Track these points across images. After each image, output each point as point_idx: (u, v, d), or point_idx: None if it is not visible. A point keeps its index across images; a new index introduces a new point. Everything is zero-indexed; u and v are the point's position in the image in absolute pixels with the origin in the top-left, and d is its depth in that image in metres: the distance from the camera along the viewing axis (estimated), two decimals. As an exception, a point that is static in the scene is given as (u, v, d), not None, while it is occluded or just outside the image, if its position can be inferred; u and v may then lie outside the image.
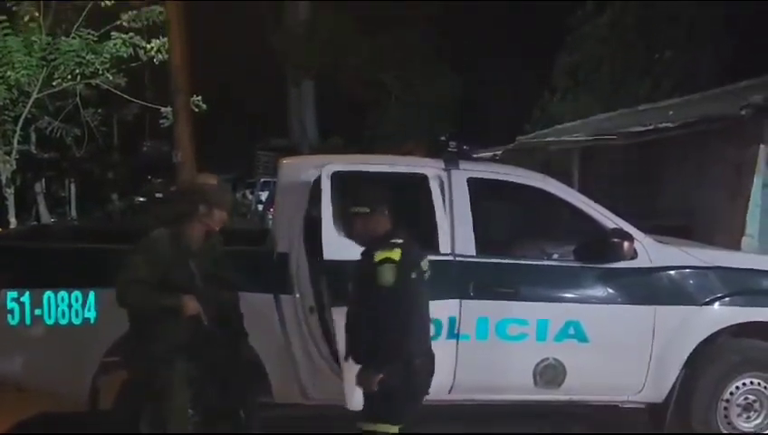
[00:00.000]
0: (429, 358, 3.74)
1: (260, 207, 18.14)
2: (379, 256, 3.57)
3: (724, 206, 8.62)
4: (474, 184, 4.72)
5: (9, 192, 13.70)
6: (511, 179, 4.99)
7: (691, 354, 4.80)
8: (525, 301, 4.67)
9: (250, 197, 22.13)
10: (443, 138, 4.93)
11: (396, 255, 3.54)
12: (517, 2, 20.43)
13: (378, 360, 3.57)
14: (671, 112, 10.80)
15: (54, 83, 13.63)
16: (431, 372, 3.76)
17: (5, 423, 5.65)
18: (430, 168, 4.75)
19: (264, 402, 4.74)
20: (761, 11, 13.61)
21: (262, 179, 20.21)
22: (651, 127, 9.53)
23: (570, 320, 4.70)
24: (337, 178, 4.78)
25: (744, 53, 14.10)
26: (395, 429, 3.59)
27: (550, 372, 4.71)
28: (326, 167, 4.54)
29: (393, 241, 3.63)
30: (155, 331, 3.77)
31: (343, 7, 20.79)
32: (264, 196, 18.32)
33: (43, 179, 20.09)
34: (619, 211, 4.96)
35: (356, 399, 3.81)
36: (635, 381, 4.82)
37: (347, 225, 4.02)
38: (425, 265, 3.73)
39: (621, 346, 4.78)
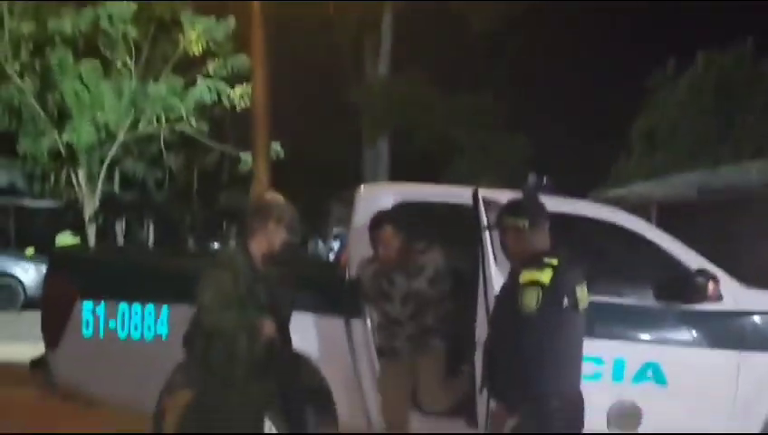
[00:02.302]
0: (574, 401, 3.20)
1: (332, 256, 18.28)
2: (525, 276, 3.08)
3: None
4: (554, 219, 4.59)
5: (91, 229, 14.18)
6: (590, 215, 4.86)
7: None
8: (602, 339, 4.46)
9: (322, 247, 22.34)
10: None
11: (546, 277, 3.03)
12: (595, 61, 20.40)
13: (509, 399, 3.12)
14: (754, 172, 10.50)
15: (140, 127, 14.24)
16: (576, 417, 3.23)
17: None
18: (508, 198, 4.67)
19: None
20: None
21: (335, 230, 20.47)
22: (734, 185, 9.28)
23: (648, 361, 4.49)
24: (408, 207, 4.79)
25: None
26: None
27: (624, 415, 4.49)
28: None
29: (547, 260, 3.12)
30: (230, 351, 3.65)
31: (421, 65, 21.09)
32: (336, 246, 18.48)
33: (124, 220, 20.76)
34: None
35: None
36: (715, 429, 4.53)
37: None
38: (582, 291, 3.18)
39: (702, 392, 4.53)
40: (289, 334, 3.88)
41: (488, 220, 3.99)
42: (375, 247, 4.45)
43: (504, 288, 3.35)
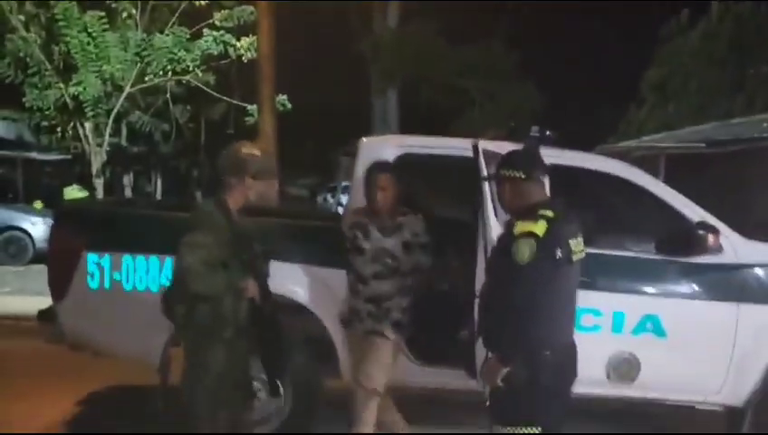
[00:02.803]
0: (566, 352, 3.23)
1: (340, 210, 18.21)
2: (520, 227, 3.09)
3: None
4: (554, 171, 4.52)
5: (98, 182, 14.21)
6: (593, 167, 4.84)
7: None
8: (602, 291, 4.50)
9: (330, 200, 22.34)
10: (512, 124, 4.83)
11: (540, 229, 3.04)
12: (607, 13, 20.07)
13: (502, 349, 3.14)
14: (765, 124, 10.41)
15: (146, 79, 14.18)
16: (568, 367, 3.25)
17: (80, 393, 5.88)
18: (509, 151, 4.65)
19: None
20: None
21: (343, 183, 20.39)
22: (743, 136, 9.20)
23: (647, 314, 4.54)
24: (412, 159, 4.79)
25: None
26: (532, 431, 3.12)
27: (623, 367, 4.56)
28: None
29: (542, 212, 3.13)
30: (213, 310, 3.62)
31: (431, 17, 20.82)
32: (344, 199, 18.42)
33: (131, 173, 20.77)
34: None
35: (487, 389, 3.41)
36: (713, 381, 4.61)
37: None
38: (577, 244, 3.16)
39: (701, 344, 4.58)
40: (268, 288, 3.82)
41: (488, 172, 3.98)
42: (367, 194, 4.32)
43: (500, 239, 3.36)
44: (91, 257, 4.70)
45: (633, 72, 19.13)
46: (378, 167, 4.37)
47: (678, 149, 10.44)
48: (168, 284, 3.80)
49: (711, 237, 4.45)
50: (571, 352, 3.25)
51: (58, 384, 6.01)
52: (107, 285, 4.71)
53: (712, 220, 4.62)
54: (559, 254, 3.05)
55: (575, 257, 3.15)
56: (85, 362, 5.18)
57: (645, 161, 10.70)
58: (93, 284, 4.72)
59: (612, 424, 5.46)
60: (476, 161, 4.10)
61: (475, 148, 4.15)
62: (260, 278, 3.74)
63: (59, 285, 4.79)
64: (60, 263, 4.84)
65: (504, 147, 4.23)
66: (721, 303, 4.58)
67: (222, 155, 3.82)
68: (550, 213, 3.13)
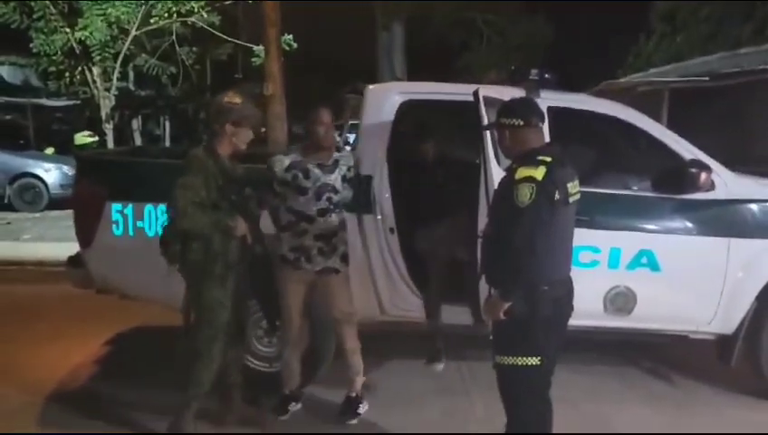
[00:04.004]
0: (563, 286, 3.44)
1: (347, 148, 18.25)
2: (521, 172, 3.27)
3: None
4: (554, 113, 4.61)
5: (108, 127, 14.33)
6: (591, 109, 4.99)
7: (763, 288, 4.80)
8: (599, 229, 4.72)
9: (338, 139, 22.37)
10: (513, 67, 4.96)
11: (539, 173, 3.22)
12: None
13: (504, 286, 3.36)
14: (771, 55, 10.39)
15: (152, 21, 14.15)
16: (565, 301, 3.46)
17: (107, 334, 6.19)
18: (509, 95, 4.80)
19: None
20: None
21: (350, 122, 20.37)
22: (745, 69, 9.23)
23: (643, 249, 4.76)
24: (412, 105, 4.95)
25: None
26: (533, 360, 3.36)
27: (620, 300, 4.81)
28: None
29: (541, 158, 3.31)
30: (206, 248, 3.91)
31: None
32: (351, 138, 18.47)
33: (140, 117, 20.77)
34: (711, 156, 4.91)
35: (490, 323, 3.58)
36: (705, 312, 4.86)
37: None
38: (573, 186, 3.36)
39: (693, 277, 4.82)
40: (260, 229, 4.11)
41: (488, 119, 4.15)
42: (311, 131, 4.34)
43: (501, 183, 3.55)
44: (115, 207, 4.90)
45: (645, 3, 18.89)
46: (319, 104, 4.44)
47: (682, 83, 10.47)
48: (165, 225, 4.04)
49: (703, 175, 4.64)
50: (567, 287, 3.48)
51: (85, 326, 6.32)
52: (131, 232, 4.92)
53: (704, 158, 4.81)
54: (557, 196, 3.25)
55: (571, 199, 3.36)
56: (112, 304, 5.46)
57: (649, 96, 10.79)
58: (118, 231, 4.92)
59: (610, 354, 5.76)
60: (477, 108, 4.26)
61: (476, 94, 4.30)
62: (251, 219, 4.02)
63: (85, 234, 5.00)
64: (85, 213, 5.04)
65: (504, 92, 4.41)
66: (713, 237, 4.79)
67: (209, 104, 4.09)
68: (548, 158, 3.32)
